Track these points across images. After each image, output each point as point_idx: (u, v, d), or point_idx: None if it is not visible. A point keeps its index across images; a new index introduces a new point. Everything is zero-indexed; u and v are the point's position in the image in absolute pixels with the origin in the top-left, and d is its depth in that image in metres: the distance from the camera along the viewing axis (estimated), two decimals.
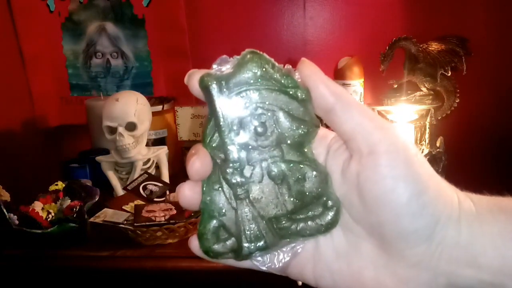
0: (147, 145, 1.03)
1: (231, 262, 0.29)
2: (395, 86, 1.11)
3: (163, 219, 0.81)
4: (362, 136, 0.25)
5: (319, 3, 1.23)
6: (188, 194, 0.27)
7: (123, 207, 0.88)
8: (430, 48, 1.05)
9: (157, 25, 1.24)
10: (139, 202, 0.90)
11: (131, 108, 0.96)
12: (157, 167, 1.05)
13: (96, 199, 0.88)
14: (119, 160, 0.99)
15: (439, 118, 1.09)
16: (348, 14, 1.22)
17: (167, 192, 0.96)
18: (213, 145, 0.27)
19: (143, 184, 0.95)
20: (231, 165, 0.26)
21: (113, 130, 0.96)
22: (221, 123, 0.26)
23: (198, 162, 0.27)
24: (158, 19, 1.24)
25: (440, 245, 0.25)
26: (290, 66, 0.27)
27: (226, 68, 0.26)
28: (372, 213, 0.26)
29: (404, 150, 0.25)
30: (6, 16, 1.20)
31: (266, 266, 0.29)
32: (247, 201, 0.27)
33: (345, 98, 0.26)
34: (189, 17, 1.23)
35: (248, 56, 0.26)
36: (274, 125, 0.26)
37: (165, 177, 1.02)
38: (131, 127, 0.96)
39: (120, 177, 1.02)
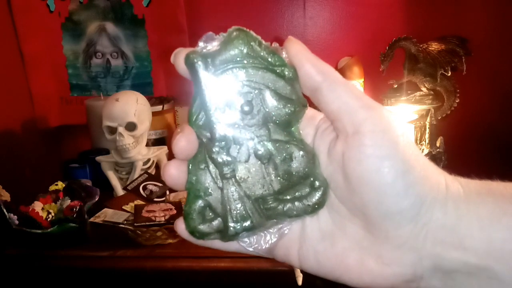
0: (147, 145, 1.03)
1: (218, 244, 0.29)
2: (395, 86, 1.11)
3: (163, 219, 0.81)
4: (348, 115, 0.25)
5: (319, 3, 1.23)
6: (174, 173, 0.27)
7: (123, 207, 0.88)
8: (430, 48, 1.05)
9: (157, 25, 1.24)
10: (139, 202, 0.90)
11: (131, 108, 0.96)
12: (157, 167, 1.05)
13: (96, 199, 0.88)
14: (119, 160, 0.99)
15: (439, 118, 1.09)
16: (348, 14, 1.22)
17: (167, 192, 0.96)
18: (199, 124, 0.26)
19: (143, 184, 0.95)
20: (217, 144, 0.26)
21: (113, 130, 0.96)
22: (207, 102, 0.25)
23: (184, 140, 0.26)
24: (158, 19, 1.24)
25: (426, 227, 0.25)
26: (277, 44, 0.27)
27: (212, 46, 0.25)
28: (357, 193, 0.25)
29: (390, 130, 0.25)
30: (6, 16, 1.20)
31: (253, 247, 0.28)
32: (233, 180, 0.27)
33: (331, 77, 0.25)
34: (189, 17, 1.23)
35: (235, 33, 0.25)
36: (260, 104, 0.26)
37: None
38: (131, 127, 0.96)
39: (120, 177, 1.02)
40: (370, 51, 1.12)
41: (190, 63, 0.25)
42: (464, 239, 0.24)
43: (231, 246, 0.29)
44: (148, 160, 1.01)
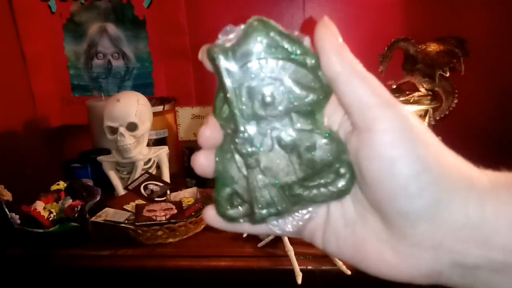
0: (148, 145, 1.04)
1: (247, 227, 0.30)
2: (394, 86, 1.11)
3: (163, 218, 0.82)
4: (360, 111, 0.24)
5: (318, 5, 1.23)
6: (203, 162, 0.28)
7: (124, 207, 0.89)
8: (428, 49, 1.06)
9: (157, 26, 1.25)
10: (140, 201, 0.91)
11: (132, 108, 0.97)
12: (158, 167, 1.05)
13: (98, 199, 0.88)
14: (120, 160, 1.00)
15: (437, 118, 1.09)
16: (347, 15, 1.23)
17: (168, 192, 0.97)
18: (223, 116, 0.27)
19: (144, 184, 0.96)
20: (240, 135, 0.27)
21: (114, 130, 0.97)
22: (229, 94, 0.26)
23: (208, 131, 0.28)
24: (159, 20, 1.24)
25: (444, 225, 0.24)
26: (298, 32, 0.26)
27: (232, 38, 0.26)
28: (371, 190, 0.25)
29: (406, 129, 0.23)
30: (8, 17, 1.21)
31: (281, 229, 0.29)
32: (258, 169, 0.28)
33: (350, 68, 0.24)
34: (189, 18, 1.23)
35: (254, 24, 0.25)
36: (282, 95, 0.26)
37: (166, 177, 1.03)
38: (132, 127, 0.97)
39: (121, 177, 1.03)
40: (369, 52, 1.12)
41: (211, 57, 0.26)
42: (490, 237, 0.23)
43: (260, 229, 0.30)
44: (149, 160, 1.02)
